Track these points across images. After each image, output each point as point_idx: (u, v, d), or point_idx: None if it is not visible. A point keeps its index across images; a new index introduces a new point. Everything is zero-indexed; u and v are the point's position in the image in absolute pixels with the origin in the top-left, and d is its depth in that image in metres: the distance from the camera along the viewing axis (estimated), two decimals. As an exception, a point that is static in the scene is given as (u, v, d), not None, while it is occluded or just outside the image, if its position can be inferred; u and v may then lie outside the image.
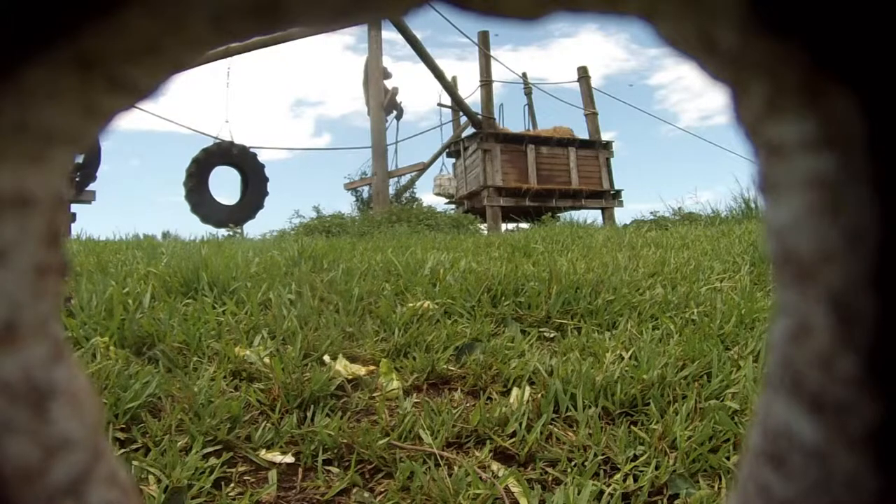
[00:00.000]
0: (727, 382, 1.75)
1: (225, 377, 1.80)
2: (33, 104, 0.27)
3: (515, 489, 1.31)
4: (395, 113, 15.57)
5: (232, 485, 1.35)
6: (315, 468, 1.41)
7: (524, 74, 17.10)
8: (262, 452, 1.46)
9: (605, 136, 14.72)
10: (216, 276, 2.76)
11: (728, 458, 1.39)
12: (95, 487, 0.32)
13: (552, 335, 2.38)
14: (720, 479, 1.35)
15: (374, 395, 1.80)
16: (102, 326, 2.08)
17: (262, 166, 13.17)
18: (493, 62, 13.94)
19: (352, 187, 16.11)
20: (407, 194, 15.90)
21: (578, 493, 1.26)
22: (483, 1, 0.29)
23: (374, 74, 12.93)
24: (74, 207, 9.81)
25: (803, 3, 0.23)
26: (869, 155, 0.23)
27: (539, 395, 1.72)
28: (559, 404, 1.67)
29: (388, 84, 14.74)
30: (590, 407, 1.66)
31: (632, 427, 1.55)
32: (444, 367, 1.96)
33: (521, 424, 1.55)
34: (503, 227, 12.60)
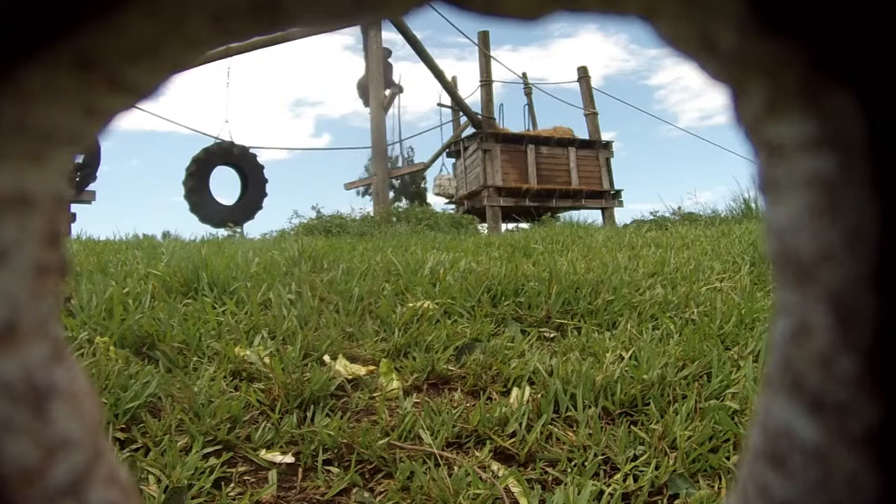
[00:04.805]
0: (727, 382, 1.75)
1: (225, 377, 1.80)
2: (33, 104, 0.27)
3: (515, 489, 1.31)
4: (394, 90, 15.42)
5: (232, 485, 1.35)
6: (315, 468, 1.41)
7: (524, 74, 17.12)
8: (262, 452, 1.46)
9: (605, 136, 14.73)
10: (216, 276, 2.76)
11: (728, 458, 1.39)
12: (95, 487, 0.32)
13: (552, 335, 2.38)
14: (720, 479, 1.35)
15: (374, 395, 1.80)
16: (102, 326, 2.08)
17: (262, 167, 13.18)
18: (493, 62, 13.95)
19: (352, 187, 16.13)
20: (413, 188, 15.97)
21: (578, 493, 1.26)
22: (483, 1, 0.29)
23: (374, 74, 12.93)
24: (74, 207, 9.80)
25: (803, 4, 0.23)
26: (869, 155, 0.23)
27: (539, 395, 1.72)
28: (559, 404, 1.67)
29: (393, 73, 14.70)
30: (590, 407, 1.66)
31: (632, 427, 1.55)
32: (444, 367, 1.96)
33: (521, 424, 1.55)
34: (503, 227, 12.61)
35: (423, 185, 16.26)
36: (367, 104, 13.70)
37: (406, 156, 17.02)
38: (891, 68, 0.23)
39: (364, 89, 13.90)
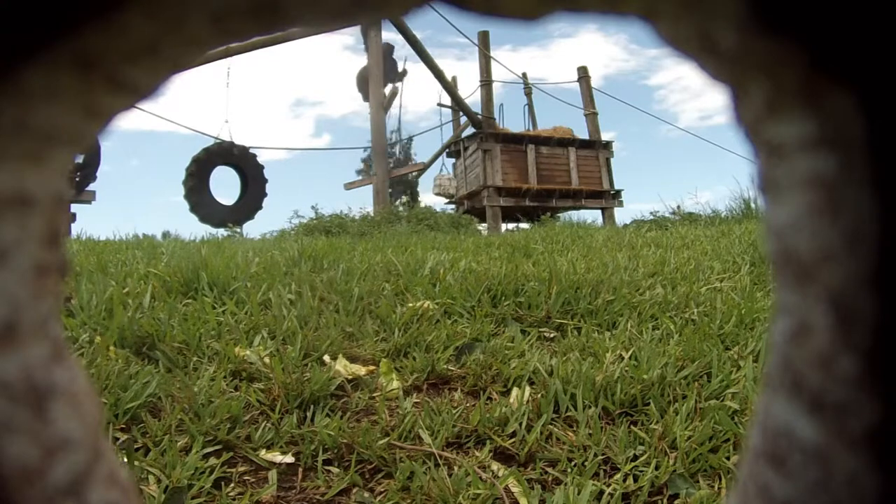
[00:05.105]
0: (727, 382, 1.75)
1: (225, 377, 1.80)
2: (33, 104, 0.27)
3: (515, 489, 1.31)
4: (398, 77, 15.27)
5: (232, 485, 1.35)
6: (315, 468, 1.41)
7: (524, 74, 17.13)
8: (262, 452, 1.46)
9: (605, 136, 14.74)
10: (216, 276, 2.76)
11: (728, 458, 1.39)
12: (95, 487, 0.32)
13: (552, 335, 2.38)
14: (720, 479, 1.35)
15: (374, 395, 1.80)
16: (102, 326, 2.08)
17: (262, 167, 13.19)
18: (493, 62, 13.95)
19: (352, 187, 16.14)
20: (408, 191, 16.05)
21: (578, 493, 1.26)
22: (483, 1, 0.29)
23: (375, 74, 12.93)
24: (74, 207, 9.81)
25: (802, 4, 0.23)
26: (869, 155, 0.23)
27: (539, 395, 1.72)
28: (559, 404, 1.67)
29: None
30: (590, 407, 1.66)
31: (632, 427, 1.55)
32: (444, 367, 1.96)
33: (521, 424, 1.55)
34: (503, 227, 12.61)
35: (414, 190, 16.47)
36: (366, 98, 13.67)
37: (404, 143, 17.28)
38: (891, 68, 0.23)
39: (362, 82, 13.88)
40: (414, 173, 16.59)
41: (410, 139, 17.45)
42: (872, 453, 0.23)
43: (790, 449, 0.27)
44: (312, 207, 12.32)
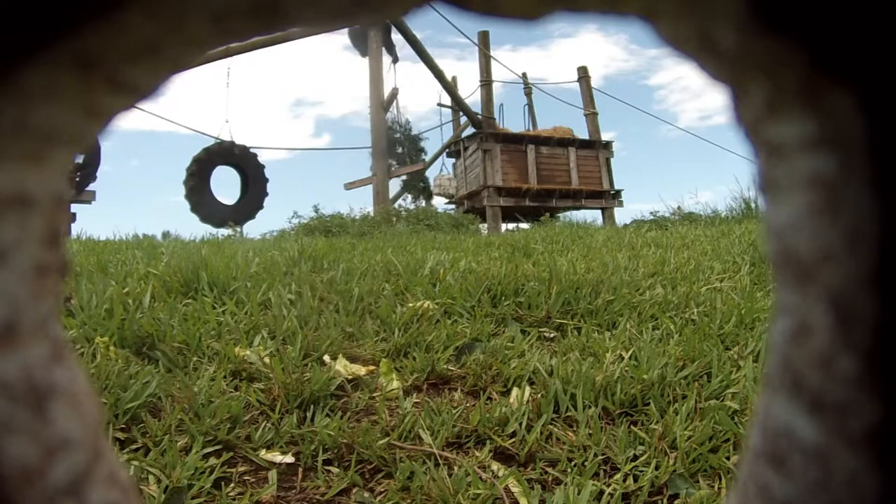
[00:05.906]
0: (727, 382, 1.75)
1: (225, 377, 1.80)
2: (33, 104, 0.27)
3: (515, 489, 1.31)
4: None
5: (232, 485, 1.35)
6: (315, 468, 1.41)
7: (524, 74, 17.14)
8: (262, 452, 1.46)
9: (605, 136, 14.75)
10: (216, 276, 2.76)
11: (728, 458, 1.39)
12: (95, 487, 0.32)
13: (552, 335, 2.38)
14: (720, 479, 1.35)
15: (374, 395, 1.80)
16: (102, 326, 2.08)
17: (263, 167, 13.19)
18: (493, 62, 13.96)
19: (352, 187, 16.15)
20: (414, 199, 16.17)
21: (578, 493, 1.26)
22: (483, 1, 0.29)
23: (375, 74, 12.93)
24: (74, 207, 9.81)
25: (803, 4, 0.23)
26: (869, 155, 0.23)
27: (539, 395, 1.72)
28: (559, 404, 1.67)
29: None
30: (590, 407, 1.66)
31: (632, 427, 1.55)
32: (444, 367, 1.96)
33: (521, 424, 1.55)
34: (503, 227, 12.62)
35: (426, 186, 16.75)
36: (364, 54, 13.44)
37: (414, 137, 17.49)
38: (891, 68, 0.23)
39: (357, 38, 13.64)
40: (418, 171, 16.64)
41: (412, 133, 17.60)
42: (872, 453, 0.23)
43: (790, 449, 0.27)
44: (314, 208, 12.31)
